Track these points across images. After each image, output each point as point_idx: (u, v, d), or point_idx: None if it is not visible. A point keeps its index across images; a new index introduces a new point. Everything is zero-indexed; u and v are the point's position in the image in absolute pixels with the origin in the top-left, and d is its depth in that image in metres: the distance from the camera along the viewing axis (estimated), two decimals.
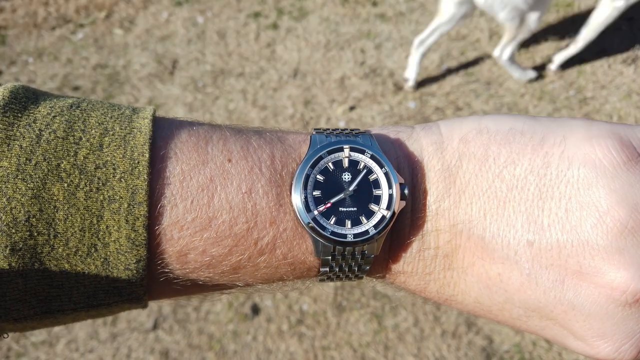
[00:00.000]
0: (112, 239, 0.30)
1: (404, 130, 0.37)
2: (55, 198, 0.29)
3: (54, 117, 0.31)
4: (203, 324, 1.89)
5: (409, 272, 0.36)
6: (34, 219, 0.29)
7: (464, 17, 2.26)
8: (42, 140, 0.30)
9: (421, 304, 1.87)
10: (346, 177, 0.35)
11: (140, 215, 0.30)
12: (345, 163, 0.35)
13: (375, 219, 0.34)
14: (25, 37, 2.96)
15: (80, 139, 0.31)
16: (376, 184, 0.35)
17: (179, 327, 1.88)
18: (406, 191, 0.34)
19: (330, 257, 0.34)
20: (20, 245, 0.29)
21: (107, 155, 0.31)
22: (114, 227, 0.30)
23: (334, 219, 0.34)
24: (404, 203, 0.34)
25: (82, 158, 0.30)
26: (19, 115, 0.30)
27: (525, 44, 2.68)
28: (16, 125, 0.30)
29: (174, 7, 3.06)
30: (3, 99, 0.31)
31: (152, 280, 0.33)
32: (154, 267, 0.32)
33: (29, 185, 0.29)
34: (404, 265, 0.36)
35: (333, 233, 0.34)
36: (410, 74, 2.51)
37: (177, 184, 0.32)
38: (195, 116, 2.53)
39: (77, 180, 0.30)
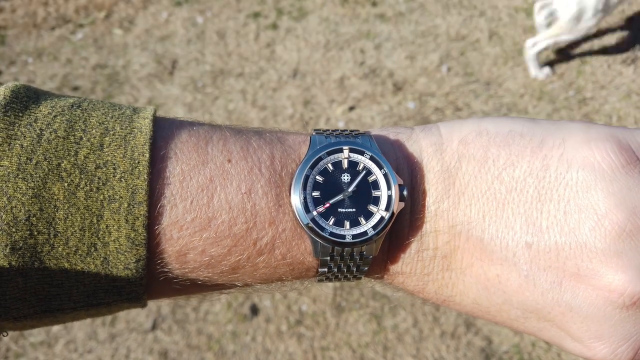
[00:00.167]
0: (112, 239, 0.30)
1: (404, 131, 0.37)
2: (55, 197, 0.29)
3: (55, 116, 0.31)
4: (202, 324, 1.89)
5: (407, 272, 0.36)
6: (34, 218, 0.29)
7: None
8: (43, 140, 0.30)
9: (420, 305, 1.87)
10: (345, 178, 0.35)
11: (140, 215, 0.30)
12: (345, 164, 0.35)
13: (374, 220, 0.34)
14: (24, 37, 2.96)
15: (81, 138, 0.31)
16: (375, 185, 0.35)
17: (177, 328, 1.88)
18: (405, 192, 0.34)
19: (328, 258, 0.35)
20: (21, 244, 0.29)
21: (108, 155, 0.31)
22: (113, 226, 0.30)
23: (332, 219, 0.34)
24: (402, 204, 0.34)
25: (82, 158, 0.30)
26: (20, 114, 0.30)
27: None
28: (17, 125, 0.30)
29: (173, 7, 3.06)
30: (4, 98, 0.31)
31: (151, 280, 0.33)
32: (154, 267, 0.32)
33: (29, 185, 0.29)
34: (402, 266, 0.36)
35: (332, 234, 0.34)
36: (536, 71, 2.50)
37: (177, 184, 0.32)
38: (195, 116, 2.53)
39: (77, 179, 0.30)
